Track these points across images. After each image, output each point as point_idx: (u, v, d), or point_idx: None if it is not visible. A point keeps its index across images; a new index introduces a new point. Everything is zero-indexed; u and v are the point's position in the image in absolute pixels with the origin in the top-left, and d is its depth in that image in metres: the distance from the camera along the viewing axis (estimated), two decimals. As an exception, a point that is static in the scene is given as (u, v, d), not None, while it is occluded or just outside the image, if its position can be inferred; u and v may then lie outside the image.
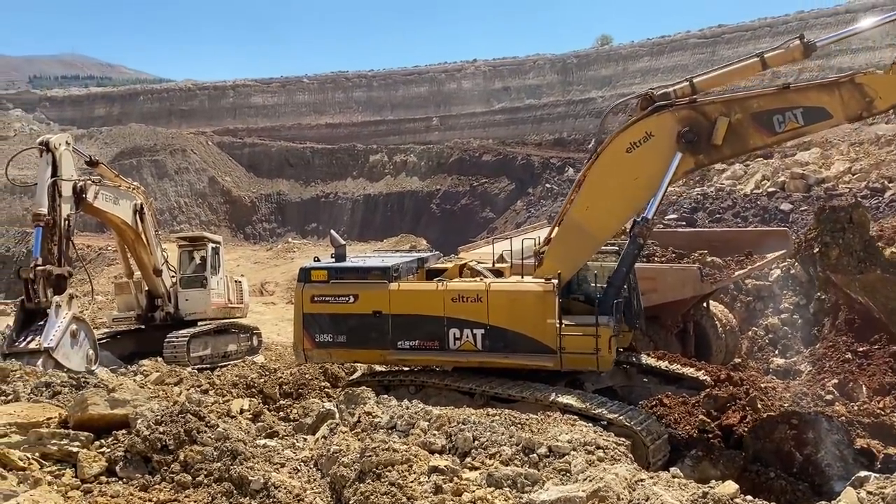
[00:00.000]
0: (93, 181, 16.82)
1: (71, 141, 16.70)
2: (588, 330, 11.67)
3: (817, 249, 12.18)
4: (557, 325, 11.69)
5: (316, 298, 12.48)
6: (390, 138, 68.33)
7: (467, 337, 12.08)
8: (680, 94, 11.82)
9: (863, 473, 9.54)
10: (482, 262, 14.45)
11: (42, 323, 14.30)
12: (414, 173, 63.30)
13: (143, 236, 18.96)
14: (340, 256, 13.12)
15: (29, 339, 14.16)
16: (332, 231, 13.87)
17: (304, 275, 12.74)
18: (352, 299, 12.36)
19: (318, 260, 13.56)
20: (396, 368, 13.37)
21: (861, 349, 18.93)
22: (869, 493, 8.12)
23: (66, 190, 15.68)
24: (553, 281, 11.81)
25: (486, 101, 68.99)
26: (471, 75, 70.76)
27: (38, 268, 14.68)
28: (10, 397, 9.14)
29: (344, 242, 13.50)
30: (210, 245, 21.66)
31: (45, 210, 15.28)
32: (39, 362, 13.36)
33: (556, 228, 12.58)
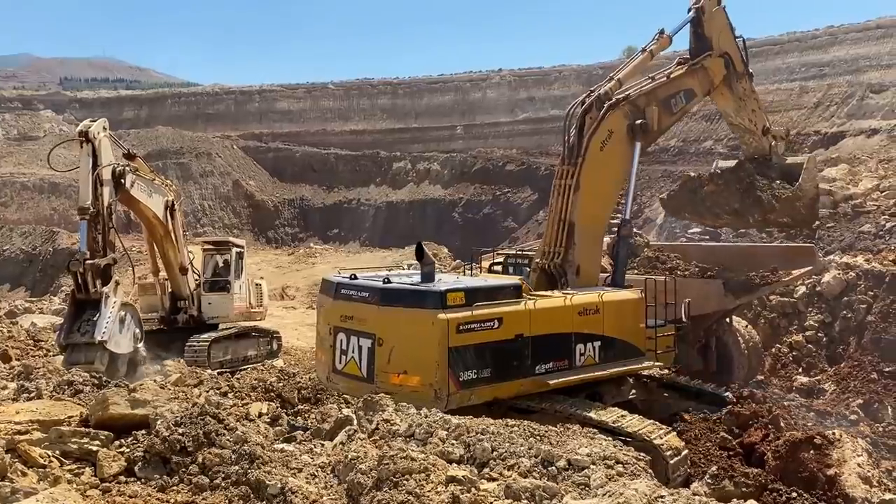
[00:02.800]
0: (129, 169, 17.08)
1: (107, 126, 16.88)
2: (668, 329, 13.35)
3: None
4: (653, 328, 12.82)
5: (462, 328, 10.13)
6: (414, 146, 68.49)
7: (589, 351, 11.69)
8: (615, 89, 13.97)
9: (888, 496, 9.38)
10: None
11: (94, 315, 14.86)
12: (437, 181, 63.41)
13: (172, 233, 19.21)
14: (428, 276, 11.06)
15: (84, 332, 14.78)
16: (421, 245, 11.36)
17: (439, 299, 10.14)
18: (496, 324, 10.48)
19: (352, 277, 11.45)
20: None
21: (887, 369, 18.68)
22: (895, 516, 7.97)
23: (107, 174, 15.93)
24: (642, 288, 12.89)
25: (511, 110, 68.97)
26: (496, 85, 70.80)
27: (87, 262, 15.03)
28: (32, 394, 9.25)
29: (434, 260, 11.52)
30: (234, 249, 21.85)
31: (89, 203, 15.53)
32: (97, 355, 14.38)
33: (565, 237, 13.02)
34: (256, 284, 23.70)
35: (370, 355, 10.58)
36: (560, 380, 11.17)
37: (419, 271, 11.50)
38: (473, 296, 10.43)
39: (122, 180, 16.38)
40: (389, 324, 10.46)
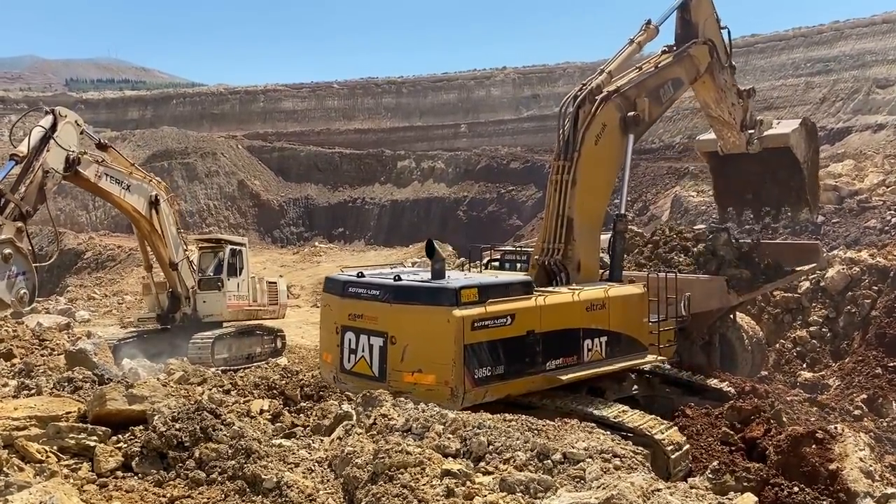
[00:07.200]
0: (97, 162, 17.01)
1: (81, 123, 16.78)
2: (669, 324, 13.47)
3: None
4: (657, 323, 12.99)
5: (477, 325, 10.00)
6: (418, 144, 68.53)
7: (596, 346, 11.71)
8: (605, 82, 13.94)
9: (889, 490, 9.33)
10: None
11: None
12: (441, 180, 63.42)
13: (158, 228, 19.13)
14: (439, 273, 10.94)
15: None
16: (432, 242, 11.16)
17: (454, 296, 10.00)
18: (509, 320, 10.38)
19: (359, 275, 11.38)
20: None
21: (892, 364, 18.61)
22: (895, 510, 7.93)
23: (56, 154, 15.65)
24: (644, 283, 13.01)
25: (515, 108, 68.94)
26: (500, 83, 70.76)
27: None
28: (32, 391, 9.29)
29: (445, 257, 11.45)
30: (228, 247, 21.79)
31: (24, 150, 15.20)
32: None
33: (564, 233, 12.94)
34: (270, 283, 23.71)
35: (382, 354, 10.40)
36: (571, 375, 11.09)
37: (426, 269, 11.45)
38: (486, 292, 10.31)
39: (78, 167, 16.21)
40: (402, 322, 10.28)
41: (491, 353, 10.17)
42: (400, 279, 10.75)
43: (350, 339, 10.91)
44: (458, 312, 9.81)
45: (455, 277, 11.21)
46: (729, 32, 16.83)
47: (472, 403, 9.78)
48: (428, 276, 11.27)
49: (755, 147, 18.26)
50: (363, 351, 10.70)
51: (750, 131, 18.14)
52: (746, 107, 18.00)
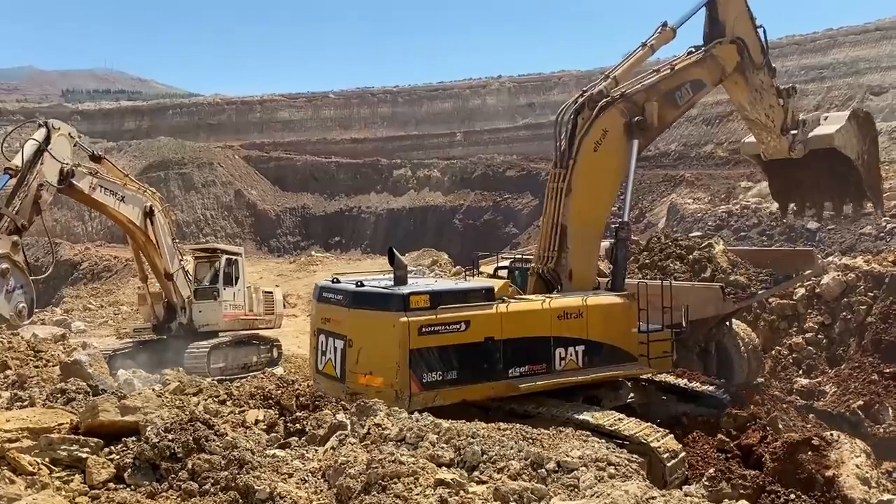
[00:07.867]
0: (91, 174, 17.04)
1: (75, 135, 16.87)
2: (663, 335, 12.84)
3: None
4: (645, 333, 12.48)
5: (424, 330, 10.21)
6: (414, 153, 68.67)
7: (571, 355, 11.58)
8: (610, 88, 13.45)
9: (886, 497, 9.32)
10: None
11: None
12: (437, 188, 63.52)
13: (153, 239, 19.12)
14: (401, 279, 11.12)
15: None
16: (393, 249, 11.41)
17: (401, 302, 10.27)
18: (463, 326, 10.49)
19: (334, 280, 11.77)
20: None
21: (888, 370, 18.61)
22: (890, 516, 7.92)
23: (51, 167, 15.78)
24: (633, 293, 12.60)
25: (511, 117, 69.15)
26: (495, 91, 70.99)
27: None
28: (25, 403, 9.25)
29: (407, 263, 11.58)
30: (224, 257, 21.74)
31: (18, 163, 15.30)
32: None
33: (558, 241, 12.84)
34: (266, 292, 23.65)
35: (342, 356, 10.86)
36: (532, 384, 11.05)
37: (415, 276, 11.52)
38: (438, 299, 10.49)
39: (72, 179, 16.32)
40: (358, 326, 10.71)
41: (442, 358, 10.35)
42: (362, 285, 11.08)
43: (322, 342, 11.43)
44: (404, 318, 10.11)
45: (416, 284, 11.37)
46: (765, 31, 15.80)
47: (420, 407, 9.87)
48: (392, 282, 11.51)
49: (799, 151, 17.02)
50: (330, 353, 11.20)
51: (793, 132, 16.95)
52: (787, 108, 16.83)
